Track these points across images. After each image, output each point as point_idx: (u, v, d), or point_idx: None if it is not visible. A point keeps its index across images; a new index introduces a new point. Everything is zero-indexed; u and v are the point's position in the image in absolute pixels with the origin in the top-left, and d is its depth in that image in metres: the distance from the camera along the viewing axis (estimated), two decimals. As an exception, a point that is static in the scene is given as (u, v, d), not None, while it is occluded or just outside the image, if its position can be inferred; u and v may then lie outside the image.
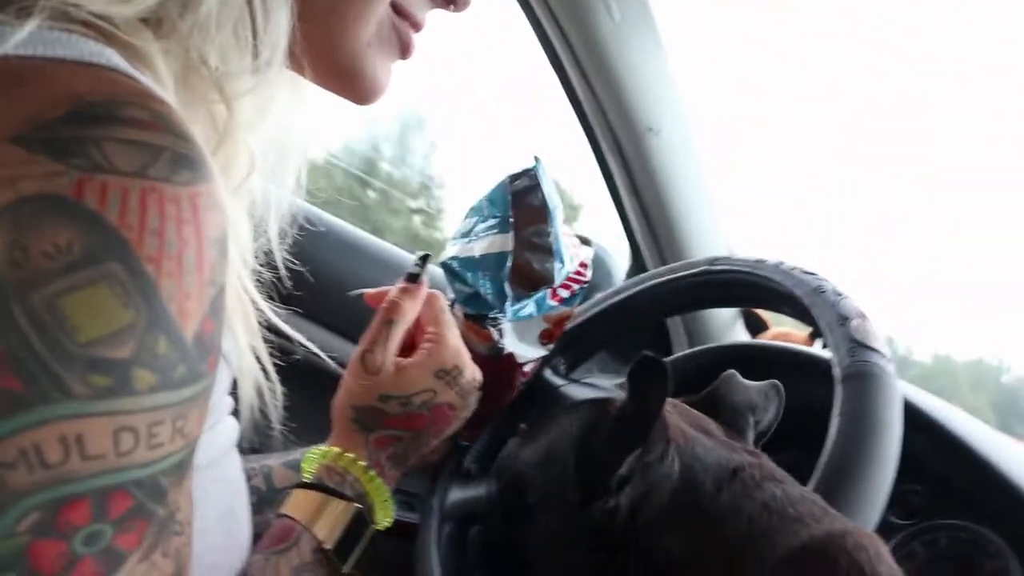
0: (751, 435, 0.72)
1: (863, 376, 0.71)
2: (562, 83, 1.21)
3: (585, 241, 1.46)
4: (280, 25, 0.50)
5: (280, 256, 0.68)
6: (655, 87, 1.18)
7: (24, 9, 0.41)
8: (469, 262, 0.89)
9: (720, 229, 1.32)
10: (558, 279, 0.89)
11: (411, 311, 0.73)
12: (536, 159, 0.90)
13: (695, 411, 0.71)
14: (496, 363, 0.91)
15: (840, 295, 0.80)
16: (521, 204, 0.89)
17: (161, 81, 0.46)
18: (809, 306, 0.80)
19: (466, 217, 0.92)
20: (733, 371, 0.75)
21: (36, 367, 0.35)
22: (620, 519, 0.60)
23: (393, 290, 0.75)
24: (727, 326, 1.34)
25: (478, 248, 0.89)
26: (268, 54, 0.50)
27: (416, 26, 0.60)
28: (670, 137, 1.21)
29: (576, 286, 0.92)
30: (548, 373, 1.00)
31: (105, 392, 0.36)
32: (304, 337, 0.73)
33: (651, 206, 1.25)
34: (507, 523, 0.72)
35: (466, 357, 0.74)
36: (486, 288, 0.88)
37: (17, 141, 0.36)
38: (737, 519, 0.57)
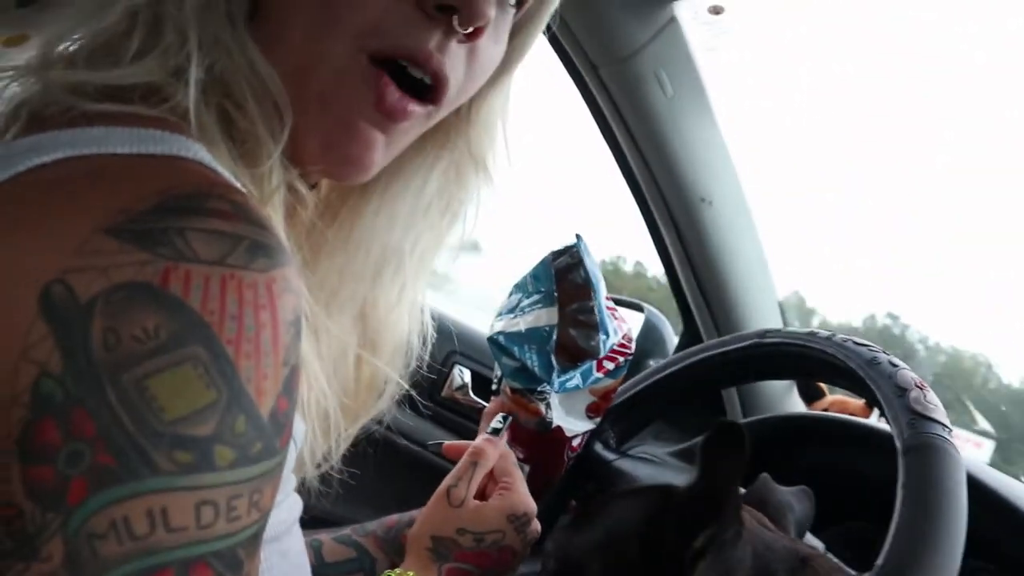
0: (792, 533, 0.72)
1: (926, 448, 0.71)
2: (615, 156, 1.24)
3: (638, 307, 1.48)
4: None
5: None
6: (708, 159, 1.20)
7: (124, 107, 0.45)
8: (515, 336, 0.91)
9: (773, 300, 1.31)
10: (603, 351, 0.90)
11: (493, 457, 0.79)
12: (577, 236, 0.92)
13: (751, 509, 0.70)
14: (544, 438, 0.92)
15: (896, 366, 0.80)
16: (564, 280, 0.91)
17: (220, 153, 0.48)
18: (865, 378, 0.80)
19: (511, 294, 0.95)
20: (766, 475, 0.76)
21: (126, 443, 0.37)
22: None
23: (480, 438, 0.83)
24: (783, 394, 1.32)
25: (524, 323, 0.91)
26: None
27: (409, 63, 0.56)
28: (723, 208, 1.22)
29: (621, 358, 0.93)
30: (598, 447, 1.00)
31: (188, 468, 0.38)
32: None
33: (704, 277, 1.26)
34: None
35: (534, 510, 0.78)
36: (533, 361, 0.89)
37: (110, 232, 0.39)
38: None
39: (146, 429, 0.37)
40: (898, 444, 0.72)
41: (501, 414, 0.88)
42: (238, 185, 0.46)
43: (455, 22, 0.54)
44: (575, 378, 0.90)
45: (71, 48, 0.50)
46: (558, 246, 0.94)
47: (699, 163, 1.19)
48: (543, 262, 0.94)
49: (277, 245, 0.42)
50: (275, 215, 0.53)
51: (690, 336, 1.36)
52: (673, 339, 1.40)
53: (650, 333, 1.41)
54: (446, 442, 0.87)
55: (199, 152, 0.45)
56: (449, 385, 1.25)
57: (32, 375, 0.36)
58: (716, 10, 1.05)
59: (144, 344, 0.37)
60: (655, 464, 0.97)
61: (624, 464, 0.97)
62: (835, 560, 0.64)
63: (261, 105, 0.52)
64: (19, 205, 0.40)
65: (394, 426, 1.37)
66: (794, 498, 0.75)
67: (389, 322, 0.72)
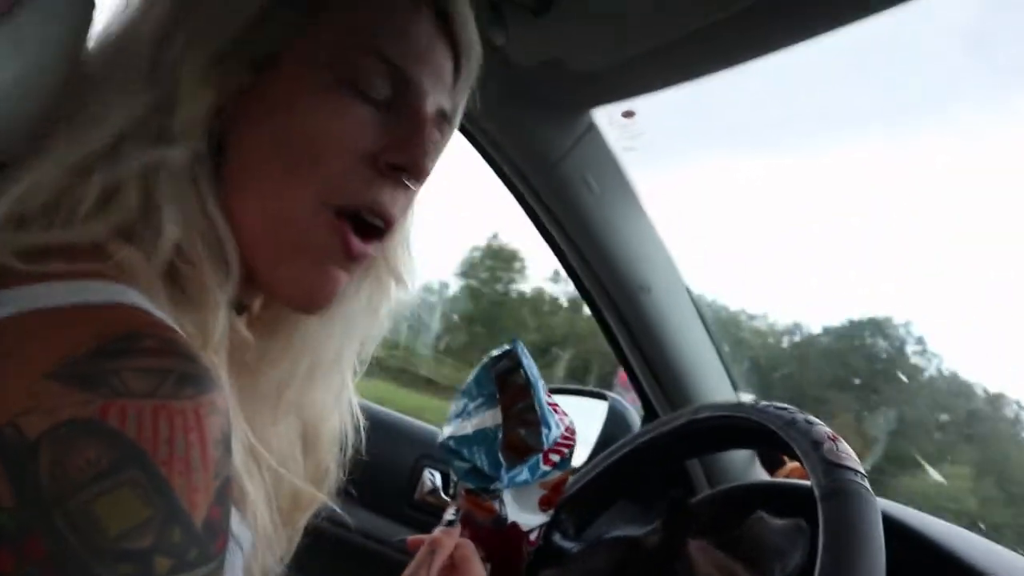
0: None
1: (840, 493, 0.76)
2: (554, 252, 1.31)
3: (601, 396, 1.53)
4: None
5: None
6: (641, 249, 1.27)
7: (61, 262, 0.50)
8: (464, 439, 0.96)
9: (719, 370, 1.36)
10: (547, 444, 0.95)
11: (448, 546, 0.85)
12: (514, 340, 0.99)
13: (720, 555, 0.76)
14: (502, 534, 0.96)
15: (811, 423, 0.86)
16: (505, 382, 0.97)
17: (160, 301, 0.53)
18: (785, 438, 0.86)
19: (457, 400, 1.00)
20: (761, 514, 0.81)
21: (74, 563, 0.41)
22: None
23: (437, 530, 0.90)
24: (746, 465, 1.36)
25: (471, 425, 0.97)
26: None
27: (372, 214, 0.62)
28: (662, 293, 1.29)
29: (566, 450, 0.98)
30: (557, 537, 1.04)
31: None
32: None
33: (652, 358, 1.31)
34: None
35: None
36: (482, 461, 0.95)
37: (53, 377, 0.44)
38: None
39: (91, 547, 0.42)
40: (816, 493, 0.77)
41: (453, 507, 0.94)
42: (169, 322, 0.51)
43: (404, 177, 0.62)
44: (523, 473, 0.95)
45: (24, 206, 0.54)
46: (496, 352, 1.00)
47: (633, 254, 1.26)
48: (483, 367, 1.00)
49: (203, 374, 0.48)
50: (221, 356, 0.58)
51: (651, 416, 1.40)
52: (637, 423, 1.44)
53: (615, 419, 1.45)
54: (410, 538, 0.91)
55: (134, 297, 0.50)
56: (421, 489, 1.29)
57: None
58: (627, 114, 1.13)
59: (87, 472, 0.42)
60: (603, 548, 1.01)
61: (579, 552, 1.01)
62: None
63: (213, 263, 0.58)
64: None
65: (373, 533, 1.41)
66: (786, 538, 0.79)
67: (328, 419, 0.77)
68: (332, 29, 0.61)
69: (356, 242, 0.62)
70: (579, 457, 1.26)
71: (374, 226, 0.63)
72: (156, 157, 0.56)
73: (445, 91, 0.66)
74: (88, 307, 0.48)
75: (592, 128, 1.19)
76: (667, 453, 1.04)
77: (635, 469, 1.06)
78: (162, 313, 0.52)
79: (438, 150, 0.68)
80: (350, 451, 0.80)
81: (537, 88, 1.10)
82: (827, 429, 0.85)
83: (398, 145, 0.61)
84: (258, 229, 0.60)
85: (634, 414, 1.47)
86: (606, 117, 1.17)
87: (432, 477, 1.36)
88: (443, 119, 0.67)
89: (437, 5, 0.64)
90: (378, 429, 1.44)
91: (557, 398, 1.61)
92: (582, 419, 1.52)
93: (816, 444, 0.82)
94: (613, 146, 1.21)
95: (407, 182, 0.63)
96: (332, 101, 0.60)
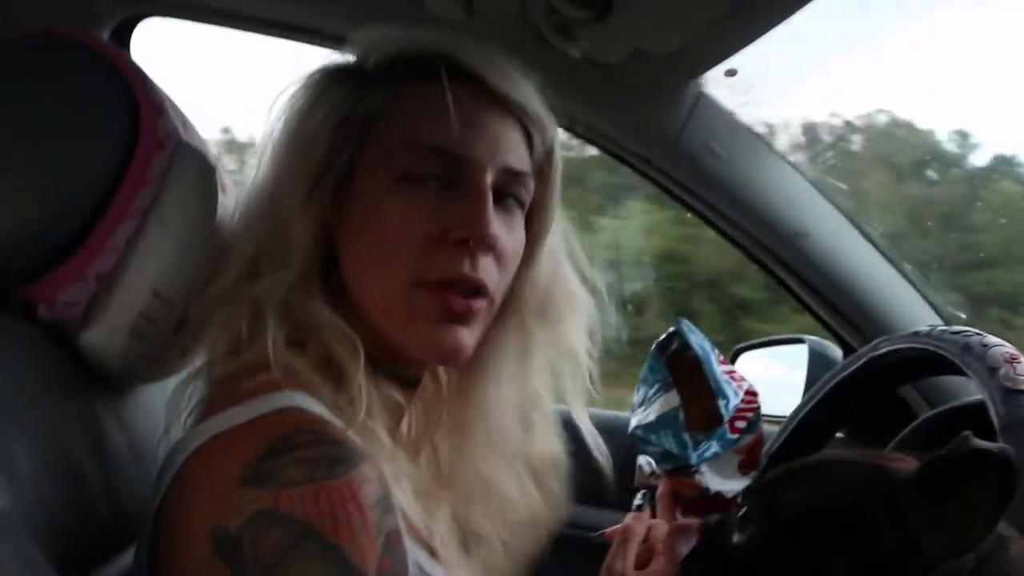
0: None
1: (1019, 424, 0.72)
2: (704, 222, 1.32)
3: (797, 340, 1.51)
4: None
5: None
6: (787, 197, 1.26)
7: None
8: (649, 427, 1.01)
9: (911, 292, 1.31)
10: (727, 414, 0.98)
11: (640, 531, 0.90)
12: (678, 320, 1.02)
13: None
14: (709, 505, 1.00)
15: (987, 346, 0.82)
16: (677, 365, 1.01)
17: (323, 394, 0.63)
18: (963, 366, 0.84)
19: (637, 390, 1.05)
20: (967, 433, 0.74)
21: None
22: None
23: (627, 517, 0.95)
24: (965, 380, 1.29)
25: (653, 412, 1.01)
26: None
27: (453, 284, 0.68)
28: (821, 234, 1.27)
29: (751, 413, 1.00)
30: (768, 496, 1.06)
31: None
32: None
33: (830, 297, 1.29)
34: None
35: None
36: (670, 443, 0.99)
37: (239, 482, 0.55)
38: None
39: None
40: (996, 424, 0.74)
41: (640, 492, 0.99)
42: (324, 413, 0.61)
43: (474, 248, 0.68)
44: (712, 446, 0.99)
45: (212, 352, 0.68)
46: (662, 337, 1.05)
47: (779, 204, 1.25)
48: (652, 354, 1.05)
49: (350, 454, 0.57)
50: (377, 420, 0.67)
51: (849, 352, 1.37)
52: (839, 359, 1.41)
53: (816, 360, 1.43)
54: (606, 531, 0.96)
55: (295, 399, 0.61)
56: (639, 474, 1.34)
57: None
58: (730, 72, 1.13)
59: (276, 551, 0.53)
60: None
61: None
62: None
63: (347, 350, 0.67)
64: (190, 479, 0.59)
65: (595, 525, 1.49)
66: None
67: (544, 448, 0.85)
68: (383, 134, 0.69)
69: (457, 303, 0.68)
70: (790, 404, 1.26)
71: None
72: (284, 279, 0.67)
73: (510, 152, 0.71)
74: (258, 420, 0.59)
75: (701, 97, 1.20)
76: (858, 394, 1.03)
77: (831, 413, 1.06)
78: (321, 402, 0.62)
79: (512, 210, 0.73)
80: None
81: (632, 78, 1.13)
82: (1006, 349, 0.81)
83: (460, 222, 0.67)
84: (379, 311, 0.70)
85: (835, 351, 1.44)
86: (712, 81, 1.17)
87: (649, 462, 1.41)
88: (515, 179, 0.72)
89: (477, 80, 0.70)
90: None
91: (752, 354, 1.64)
92: (786, 366, 1.52)
93: (992, 370, 0.79)
94: (729, 107, 1.21)
95: (478, 253, 0.69)
96: (396, 196, 0.68)
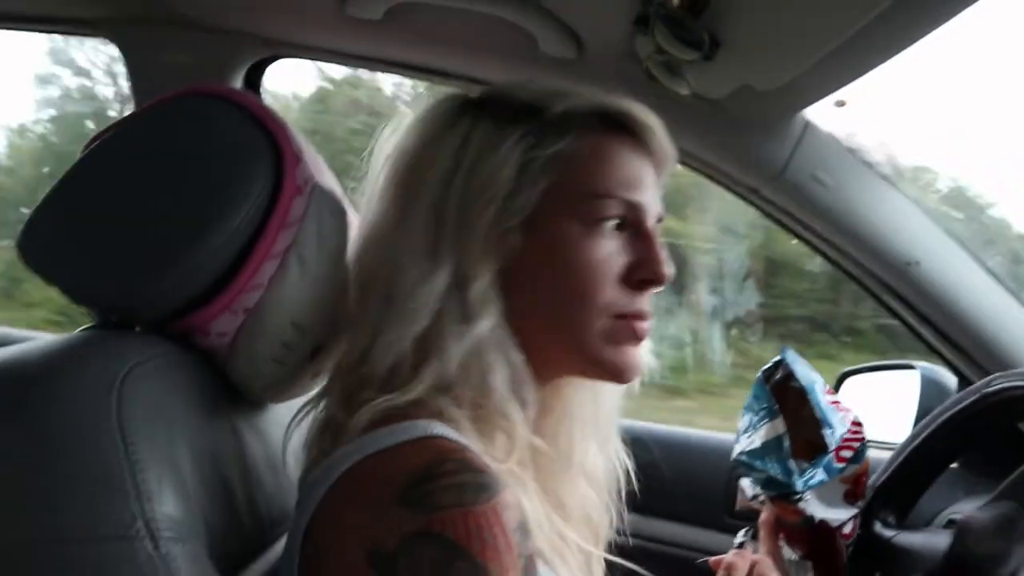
0: None
1: None
2: (815, 252, 1.32)
3: (908, 366, 1.48)
4: (518, 371, 0.73)
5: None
6: (897, 225, 1.25)
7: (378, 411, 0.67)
8: (755, 452, 1.03)
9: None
10: (833, 443, 0.99)
11: (743, 568, 0.93)
12: (783, 349, 1.04)
13: None
14: (814, 533, 1.01)
15: None
16: (782, 393, 1.03)
17: (464, 428, 0.68)
18: None
19: (742, 416, 1.07)
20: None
21: None
22: None
23: (730, 553, 0.97)
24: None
25: (758, 439, 1.03)
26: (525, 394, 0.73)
27: (640, 318, 0.76)
28: (934, 263, 1.25)
29: (857, 443, 1.01)
30: (877, 527, 1.06)
31: None
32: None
33: (944, 327, 1.27)
34: None
35: None
36: (775, 470, 1.01)
37: (392, 504, 0.60)
38: None
39: None
40: None
41: (742, 531, 1.02)
42: (464, 441, 0.65)
43: (653, 288, 0.77)
44: (818, 474, 1.00)
45: (360, 373, 0.72)
46: (767, 364, 1.06)
47: (889, 233, 1.24)
48: (758, 382, 1.06)
49: (492, 481, 0.62)
50: (523, 455, 0.72)
51: (964, 382, 1.34)
52: (952, 388, 1.38)
53: (929, 388, 1.41)
54: (710, 559, 1.00)
55: (436, 428, 0.65)
56: (741, 498, 1.35)
57: None
58: (840, 103, 1.14)
59: (431, 569, 0.58)
60: (930, 533, 1.01)
61: (903, 539, 1.01)
62: None
63: (514, 399, 0.72)
64: (344, 502, 0.63)
65: (696, 546, 1.50)
66: None
67: (600, 463, 0.87)
68: (569, 179, 0.74)
69: (643, 330, 0.77)
70: (901, 433, 1.25)
71: None
72: (464, 330, 0.71)
73: (657, 196, 0.79)
74: (405, 446, 0.64)
75: (808, 127, 1.20)
76: (971, 428, 1.02)
77: (944, 446, 1.04)
78: (462, 434, 0.67)
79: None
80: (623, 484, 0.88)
81: (739, 110, 1.15)
82: None
83: (642, 264, 0.75)
84: (572, 341, 0.75)
85: (949, 378, 1.41)
86: (820, 112, 1.18)
87: (750, 483, 1.42)
88: (659, 224, 0.79)
89: (636, 133, 0.77)
90: (686, 450, 1.55)
91: (862, 377, 1.60)
92: (894, 393, 1.49)
93: None
94: (838, 136, 1.21)
95: (654, 291, 0.77)
96: (589, 239, 0.74)
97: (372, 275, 0.74)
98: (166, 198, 0.69)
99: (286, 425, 0.87)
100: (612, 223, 0.75)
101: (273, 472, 0.83)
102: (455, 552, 0.59)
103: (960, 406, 1.01)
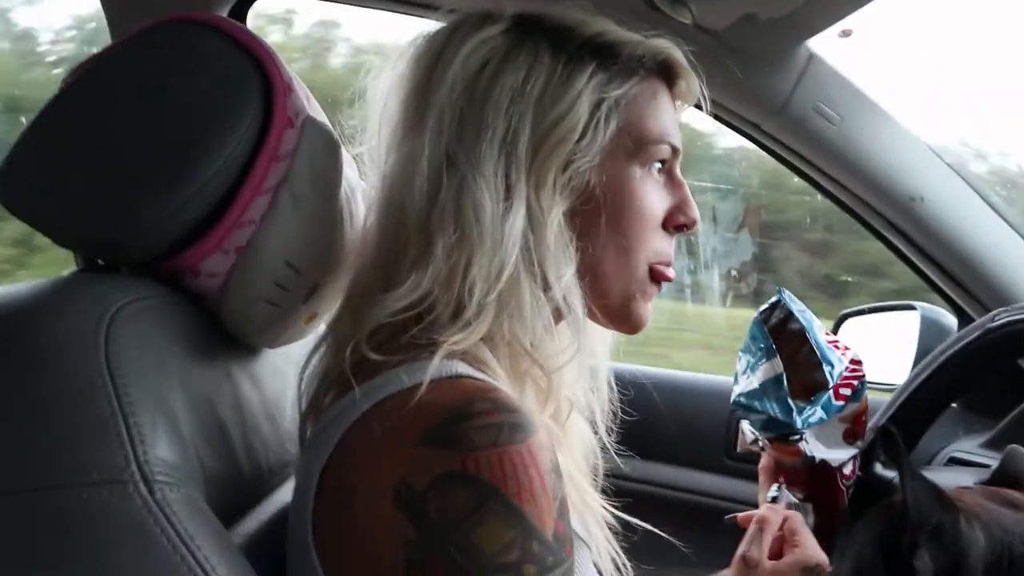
0: None
1: None
2: (816, 188, 1.30)
3: (908, 307, 1.47)
4: (576, 311, 0.70)
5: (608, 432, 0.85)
6: (902, 160, 1.23)
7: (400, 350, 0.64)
8: (753, 393, 1.02)
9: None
10: (832, 380, 0.98)
11: (775, 521, 0.91)
12: (779, 290, 1.02)
13: (995, 488, 0.74)
14: (814, 474, 1.01)
15: None
16: (780, 334, 1.01)
17: (495, 372, 0.66)
18: None
19: (740, 359, 1.06)
20: (1014, 446, 0.78)
21: None
22: None
23: (762, 507, 0.96)
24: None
25: (756, 380, 1.02)
26: (572, 334, 0.71)
27: (670, 265, 0.77)
28: (937, 198, 1.24)
29: (856, 382, 1.00)
30: (878, 468, 1.06)
31: None
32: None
33: (945, 263, 1.26)
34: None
35: (826, 561, 0.87)
36: (774, 409, 1.00)
37: (421, 444, 0.58)
38: None
39: (477, 565, 0.56)
40: None
41: (775, 484, 1.00)
42: (494, 382, 0.64)
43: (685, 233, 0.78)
44: (816, 412, 0.99)
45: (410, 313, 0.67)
46: (764, 306, 1.05)
47: (893, 168, 1.22)
48: (755, 323, 1.05)
49: (527, 421, 0.60)
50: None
51: (964, 321, 1.33)
52: (954, 328, 1.37)
53: (929, 328, 1.40)
54: (739, 515, 0.98)
55: (461, 367, 0.63)
56: (742, 441, 1.35)
57: (401, 545, 0.57)
58: (846, 33, 1.10)
59: (462, 510, 0.56)
60: (930, 472, 1.01)
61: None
62: None
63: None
64: (366, 442, 0.61)
65: (706, 490, 1.51)
66: None
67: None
68: (633, 126, 0.73)
69: (671, 273, 0.77)
70: (901, 374, 1.24)
71: None
72: (539, 273, 0.68)
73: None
74: (433, 384, 0.61)
75: (812, 59, 1.17)
76: (974, 366, 1.01)
77: (946, 385, 1.04)
78: (495, 380, 0.65)
79: None
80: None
81: (741, 43, 1.11)
82: None
83: (681, 209, 0.76)
84: (615, 289, 0.75)
85: (950, 319, 1.40)
86: (824, 42, 1.14)
87: (751, 427, 1.42)
88: None
89: (677, 77, 0.78)
90: (686, 393, 1.55)
91: (861, 319, 1.60)
92: (896, 334, 1.49)
93: None
94: (843, 69, 1.18)
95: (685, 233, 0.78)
96: (646, 186, 0.74)
97: (432, 212, 0.69)
98: (149, 131, 0.66)
99: (282, 373, 0.86)
100: (658, 167, 0.75)
101: (270, 420, 0.80)
102: (489, 493, 0.57)
103: (964, 342, 1.00)
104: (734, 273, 2.67)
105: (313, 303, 0.77)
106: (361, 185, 0.82)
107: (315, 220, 0.72)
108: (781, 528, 0.90)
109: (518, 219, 0.68)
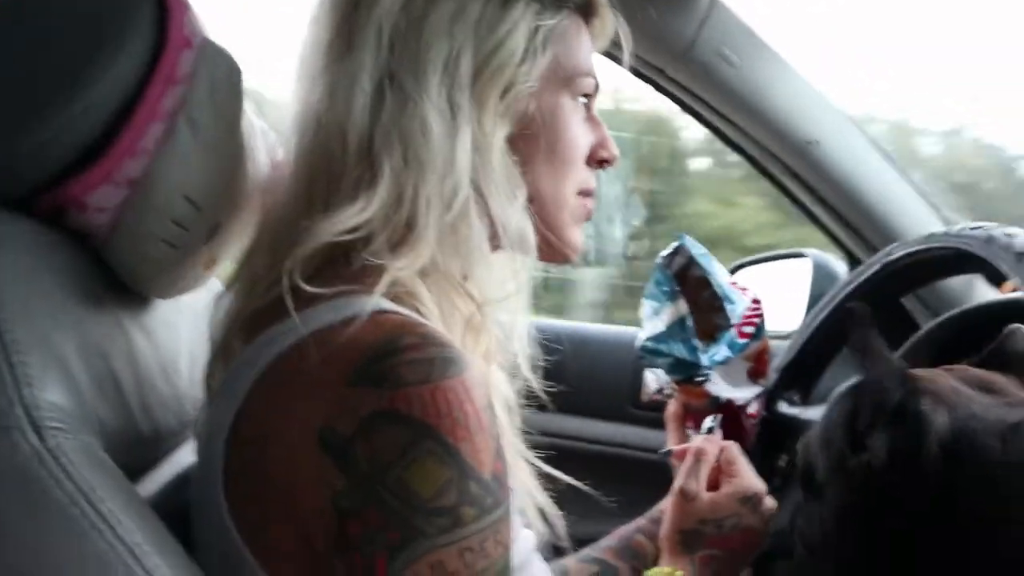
0: None
1: None
2: (716, 135, 1.31)
3: (798, 255, 1.52)
4: (527, 240, 0.69)
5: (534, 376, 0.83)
6: (798, 106, 1.25)
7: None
8: (659, 337, 1.02)
9: (917, 201, 1.32)
10: (734, 318, 0.99)
11: (713, 452, 0.89)
12: (680, 236, 1.03)
13: (979, 371, 0.70)
14: (723, 414, 1.02)
15: (1011, 235, 0.84)
16: (684, 279, 1.02)
17: (427, 307, 0.63)
18: (986, 258, 0.85)
19: (644, 306, 1.06)
20: (1018, 325, 0.74)
21: (402, 523, 0.53)
22: (878, 470, 0.62)
23: (699, 438, 0.95)
24: (965, 287, 1.31)
25: (662, 323, 1.03)
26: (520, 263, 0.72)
27: (591, 195, 0.78)
28: (832, 143, 1.27)
29: (757, 319, 1.02)
30: (783, 407, 1.08)
31: (447, 528, 0.53)
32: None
33: (839, 206, 1.30)
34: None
35: (763, 489, 0.87)
36: (680, 350, 1.01)
37: (348, 384, 0.54)
38: None
39: (413, 509, 0.53)
40: None
41: (711, 416, 0.99)
42: (418, 318, 0.60)
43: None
44: (722, 350, 1.00)
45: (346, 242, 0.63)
46: (665, 251, 1.05)
47: (791, 113, 1.25)
48: (658, 267, 1.05)
49: (459, 355, 0.57)
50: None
51: (855, 264, 1.38)
52: (843, 272, 1.42)
53: (821, 274, 1.44)
54: (673, 448, 0.98)
55: (386, 304, 0.59)
56: (645, 389, 1.37)
57: (329, 493, 0.53)
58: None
59: (394, 452, 0.53)
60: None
61: (807, 415, 1.03)
62: None
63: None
64: (281, 384, 0.57)
65: (612, 440, 1.52)
66: None
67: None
68: (564, 56, 0.72)
69: (593, 206, 0.78)
70: (795, 320, 1.27)
71: None
72: (483, 197, 0.66)
73: None
74: (353, 321, 0.57)
75: (714, 3, 1.18)
76: (872, 300, 1.04)
77: (844, 323, 1.06)
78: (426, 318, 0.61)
79: None
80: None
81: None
82: None
83: (603, 144, 0.77)
84: (550, 213, 0.73)
85: (839, 265, 1.45)
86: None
87: (655, 376, 1.43)
88: None
89: (595, 15, 0.77)
90: (590, 344, 1.55)
91: (753, 269, 1.64)
92: (788, 282, 1.53)
93: (1020, 255, 0.81)
94: (743, 15, 1.19)
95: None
96: (576, 116, 0.74)
97: (375, 132, 0.65)
98: (25, 48, 0.59)
99: (175, 326, 0.79)
100: (583, 102, 0.75)
101: (165, 377, 0.74)
102: (422, 432, 0.53)
103: (863, 276, 1.03)
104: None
105: (215, 245, 0.71)
106: (261, 126, 0.77)
107: (217, 151, 0.66)
108: (718, 460, 0.89)
109: (465, 141, 0.65)
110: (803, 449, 0.76)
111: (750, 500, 0.85)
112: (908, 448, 0.61)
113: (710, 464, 0.88)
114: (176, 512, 0.63)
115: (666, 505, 0.88)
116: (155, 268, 0.68)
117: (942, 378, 0.66)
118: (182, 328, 0.80)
